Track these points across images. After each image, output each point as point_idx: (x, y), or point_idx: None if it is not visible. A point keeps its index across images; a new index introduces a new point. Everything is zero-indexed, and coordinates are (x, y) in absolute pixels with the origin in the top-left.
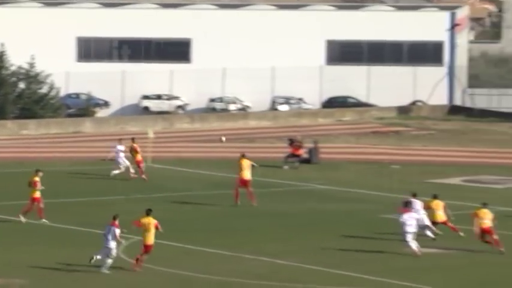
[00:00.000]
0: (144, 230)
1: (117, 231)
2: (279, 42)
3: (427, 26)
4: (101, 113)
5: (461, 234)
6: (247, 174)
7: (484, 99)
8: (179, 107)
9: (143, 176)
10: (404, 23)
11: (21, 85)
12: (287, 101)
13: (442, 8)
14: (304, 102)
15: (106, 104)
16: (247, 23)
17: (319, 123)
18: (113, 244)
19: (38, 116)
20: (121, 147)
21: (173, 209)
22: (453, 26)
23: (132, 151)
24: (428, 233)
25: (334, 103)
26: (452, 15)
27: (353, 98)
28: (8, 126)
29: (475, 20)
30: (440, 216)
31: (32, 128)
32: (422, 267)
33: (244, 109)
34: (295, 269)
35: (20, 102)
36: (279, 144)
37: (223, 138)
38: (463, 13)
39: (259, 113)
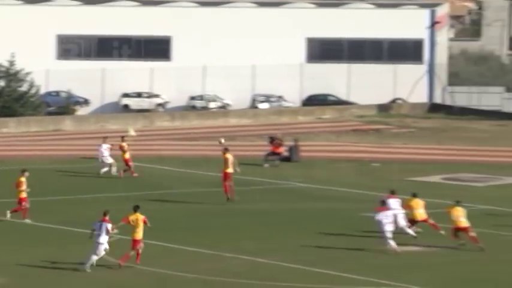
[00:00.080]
0: (132, 226)
1: (109, 225)
2: (259, 40)
3: (407, 23)
4: (81, 111)
5: (442, 232)
6: (229, 168)
7: (464, 97)
8: (159, 105)
9: (134, 174)
10: (384, 21)
11: (1, 83)
12: (267, 99)
13: (422, 6)
14: (285, 100)
15: (86, 102)
16: (228, 21)
17: (300, 121)
18: (103, 239)
19: (18, 114)
20: (105, 146)
21: (153, 208)
22: (433, 24)
23: (121, 149)
24: (409, 230)
25: (314, 101)
26: (432, 13)
27: (333, 96)
28: None
29: (455, 18)
30: (421, 214)
31: (12, 126)
32: (403, 266)
33: (224, 107)
34: (275, 267)
35: (0, 100)
36: (259, 142)
37: (222, 140)
38: (443, 11)
39: (240, 111)
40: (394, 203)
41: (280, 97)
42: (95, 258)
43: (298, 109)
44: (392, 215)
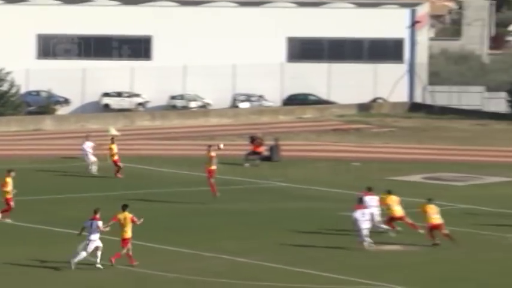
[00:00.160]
0: (121, 224)
1: (100, 223)
2: (240, 40)
3: (387, 23)
4: (61, 110)
5: (421, 231)
6: (213, 165)
7: (445, 96)
8: (140, 104)
9: (119, 175)
10: (364, 20)
11: None
12: (248, 98)
13: (403, 5)
14: (265, 100)
15: (66, 101)
16: (209, 20)
17: (280, 120)
18: (94, 236)
19: None
20: (88, 144)
21: (133, 207)
22: (413, 23)
23: (110, 151)
24: (383, 225)
25: (294, 100)
26: (413, 13)
27: (314, 95)
28: None
29: (435, 17)
30: (398, 211)
31: None
32: (383, 265)
33: (205, 106)
34: (255, 266)
35: None
36: (239, 142)
37: (221, 145)
38: (423, 10)
39: (220, 111)
40: (371, 200)
41: (260, 96)
42: (84, 255)
43: (279, 108)
44: (370, 213)
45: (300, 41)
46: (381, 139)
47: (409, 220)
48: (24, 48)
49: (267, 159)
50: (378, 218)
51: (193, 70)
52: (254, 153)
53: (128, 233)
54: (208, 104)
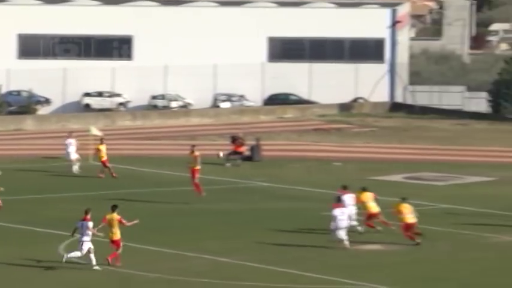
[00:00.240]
0: (109, 226)
1: (90, 224)
2: (221, 40)
3: (368, 23)
4: (42, 110)
5: (393, 228)
6: (195, 165)
7: (425, 96)
8: (121, 104)
9: (101, 175)
10: (345, 20)
11: None
12: (229, 98)
13: (383, 5)
14: (246, 100)
15: (47, 101)
16: (189, 20)
17: (261, 120)
18: (86, 237)
19: None
20: (71, 141)
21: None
22: (394, 23)
23: (98, 152)
24: (358, 227)
25: (275, 100)
26: (393, 12)
27: (295, 95)
28: None
29: (416, 17)
30: (374, 207)
31: None
32: (364, 265)
33: (186, 106)
34: (238, 266)
35: None
36: (221, 142)
37: (221, 154)
38: (404, 10)
39: (201, 110)
40: (349, 198)
41: (241, 96)
42: (78, 254)
43: (260, 108)
44: (348, 212)
45: (280, 41)
46: (362, 139)
47: (382, 218)
48: (4, 48)
49: (248, 159)
50: (354, 216)
51: (174, 70)
52: (235, 153)
53: (116, 234)
54: (189, 103)
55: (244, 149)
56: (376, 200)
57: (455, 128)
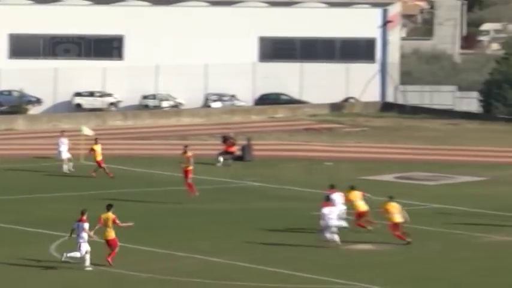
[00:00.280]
0: (104, 225)
1: (86, 225)
2: (212, 39)
3: (359, 22)
4: (33, 110)
5: (370, 228)
6: (189, 165)
7: (416, 96)
8: (112, 104)
9: (93, 174)
10: (336, 20)
11: None
12: (220, 98)
13: (374, 5)
14: (237, 99)
15: (38, 101)
16: (180, 20)
17: (252, 120)
18: (83, 239)
19: None
20: (63, 140)
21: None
22: (385, 23)
23: (93, 152)
24: (343, 224)
25: (267, 100)
26: (385, 12)
27: (286, 95)
28: None
29: (407, 17)
30: (362, 205)
31: None
32: (355, 264)
33: (177, 106)
34: (229, 266)
35: None
36: (212, 142)
37: (221, 159)
38: (395, 10)
39: (192, 110)
40: (337, 197)
41: (232, 96)
42: (77, 255)
43: (251, 108)
44: (338, 211)
45: (271, 41)
46: (353, 139)
47: (369, 216)
48: None
49: (240, 159)
50: (344, 215)
51: (165, 70)
52: (226, 152)
53: (111, 233)
54: (180, 103)
55: (236, 149)
56: (365, 199)
57: (447, 127)
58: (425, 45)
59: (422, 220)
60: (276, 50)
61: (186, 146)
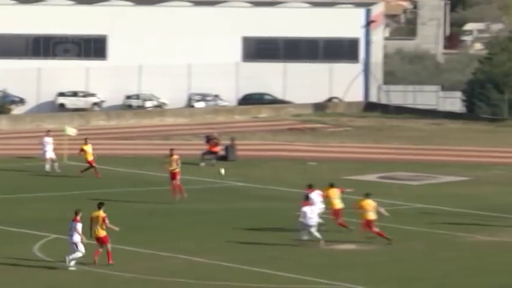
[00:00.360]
0: (94, 223)
1: (78, 226)
2: (195, 39)
3: (342, 22)
4: (17, 110)
5: (352, 228)
6: (175, 168)
7: (400, 95)
8: (95, 104)
9: (97, 175)
10: (320, 20)
11: None
12: (203, 98)
13: (358, 5)
14: (221, 99)
15: (22, 101)
16: (164, 20)
17: (236, 120)
18: (76, 238)
19: None
20: (48, 140)
21: (91, 207)
22: (368, 23)
23: (83, 152)
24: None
25: (250, 100)
26: (368, 12)
27: (269, 95)
28: None
29: (390, 17)
30: (338, 204)
31: None
32: (339, 264)
33: (160, 106)
34: (212, 266)
35: None
36: (195, 142)
37: (222, 171)
38: (378, 10)
39: (176, 110)
40: (316, 196)
41: (216, 96)
42: (79, 255)
43: (234, 108)
44: (317, 210)
45: (255, 41)
46: (337, 138)
47: (342, 216)
48: None
49: (223, 158)
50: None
51: (149, 70)
52: (210, 152)
53: (101, 232)
54: (163, 103)
55: (219, 149)
56: (342, 196)
57: (430, 127)
58: (408, 45)
59: (405, 220)
60: (259, 50)
61: (172, 149)
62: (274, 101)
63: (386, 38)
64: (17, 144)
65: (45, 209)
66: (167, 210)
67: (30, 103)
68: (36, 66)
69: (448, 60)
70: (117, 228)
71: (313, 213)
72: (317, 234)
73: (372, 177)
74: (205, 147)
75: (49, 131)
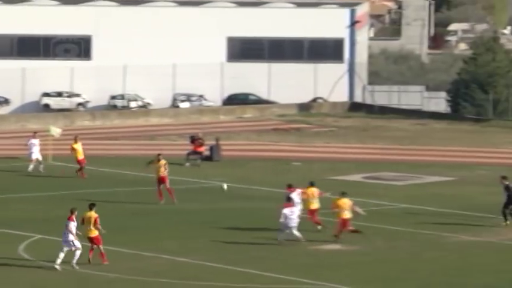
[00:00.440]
0: (86, 223)
1: (72, 224)
2: (180, 39)
3: (327, 22)
4: (1, 110)
5: (319, 228)
6: (163, 172)
7: (384, 96)
8: (80, 104)
9: (82, 175)
10: (304, 20)
11: None
12: (188, 98)
13: (342, 5)
14: (205, 100)
15: (6, 101)
16: (148, 20)
17: (221, 120)
18: (71, 237)
19: None
20: (35, 141)
21: (78, 208)
22: (353, 23)
23: (73, 150)
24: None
25: (235, 100)
26: (352, 12)
27: (254, 95)
28: None
29: (375, 17)
30: (314, 203)
31: None
32: (323, 264)
33: (145, 106)
34: (196, 266)
35: None
36: (180, 142)
37: (225, 186)
38: (363, 10)
39: (161, 110)
40: (296, 196)
41: (201, 96)
42: (78, 252)
43: (219, 108)
44: (298, 211)
45: (240, 41)
46: (321, 139)
47: (316, 217)
48: None
49: (208, 159)
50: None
51: (134, 70)
52: (195, 153)
53: (93, 232)
54: (148, 103)
55: (204, 149)
56: (321, 198)
57: (415, 127)
58: (393, 45)
59: (390, 220)
60: (244, 50)
61: (159, 155)
62: (259, 101)
63: (371, 38)
64: (1, 144)
65: (30, 210)
66: (151, 210)
67: (15, 103)
68: (20, 66)
69: (433, 60)
70: (104, 231)
71: (293, 214)
72: (298, 234)
73: (356, 177)
74: (190, 147)
75: (35, 132)
